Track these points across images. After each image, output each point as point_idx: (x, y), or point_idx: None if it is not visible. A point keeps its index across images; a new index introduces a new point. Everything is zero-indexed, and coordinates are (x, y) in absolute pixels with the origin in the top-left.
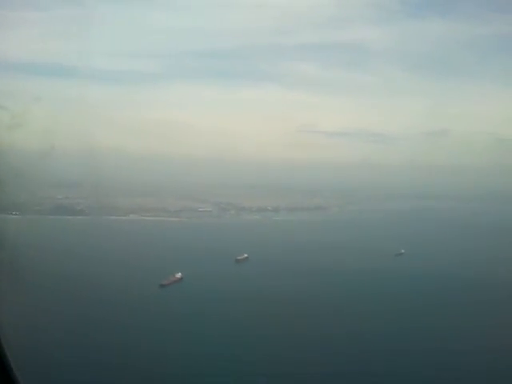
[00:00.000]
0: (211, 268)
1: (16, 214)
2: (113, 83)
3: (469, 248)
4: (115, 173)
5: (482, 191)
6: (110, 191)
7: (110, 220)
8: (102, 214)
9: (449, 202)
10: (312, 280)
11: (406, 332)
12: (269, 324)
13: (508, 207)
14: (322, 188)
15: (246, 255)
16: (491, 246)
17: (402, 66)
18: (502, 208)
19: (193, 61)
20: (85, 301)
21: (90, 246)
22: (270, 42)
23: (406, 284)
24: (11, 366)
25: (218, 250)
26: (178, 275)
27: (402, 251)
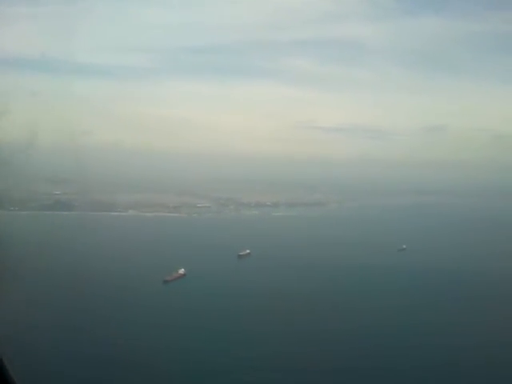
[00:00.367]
0: (214, 264)
1: (14, 210)
2: (110, 78)
3: (469, 243)
4: (113, 168)
5: (480, 187)
6: (108, 187)
7: (109, 216)
8: (101, 209)
9: (447, 198)
10: (316, 275)
11: (411, 327)
12: (273, 319)
13: (506, 202)
14: (321, 183)
15: (248, 251)
16: (491, 240)
17: (399, 62)
18: (500, 203)
19: (190, 56)
20: (87, 297)
21: (90, 243)
22: (267, 37)
23: (411, 279)
24: (6, 367)
25: (220, 246)
26: (182, 271)
27: (404, 247)
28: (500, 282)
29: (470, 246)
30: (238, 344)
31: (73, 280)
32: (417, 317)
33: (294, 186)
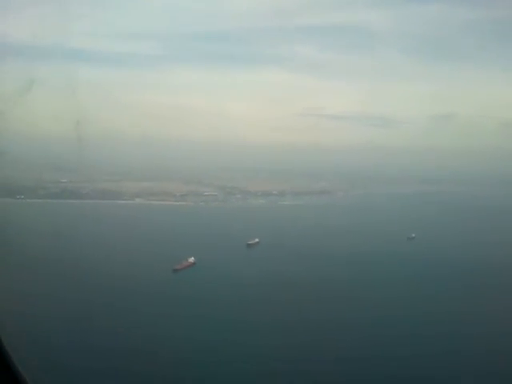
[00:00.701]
0: (223, 253)
1: (21, 198)
2: (116, 66)
3: (478, 231)
4: (119, 157)
5: (487, 175)
6: (115, 175)
7: (116, 204)
8: (108, 198)
9: (454, 186)
10: (327, 264)
11: (427, 316)
12: (284, 308)
13: None
14: (326, 172)
15: (257, 240)
16: (501, 229)
17: (404, 49)
18: (507, 191)
19: (193, 43)
20: (96, 287)
21: (97, 231)
22: (271, 24)
23: (423, 268)
24: (12, 359)
25: (228, 235)
26: (191, 260)
27: (414, 235)
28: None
29: (479, 234)
30: (248, 333)
31: (81, 269)
32: (433, 305)
33: (300, 175)
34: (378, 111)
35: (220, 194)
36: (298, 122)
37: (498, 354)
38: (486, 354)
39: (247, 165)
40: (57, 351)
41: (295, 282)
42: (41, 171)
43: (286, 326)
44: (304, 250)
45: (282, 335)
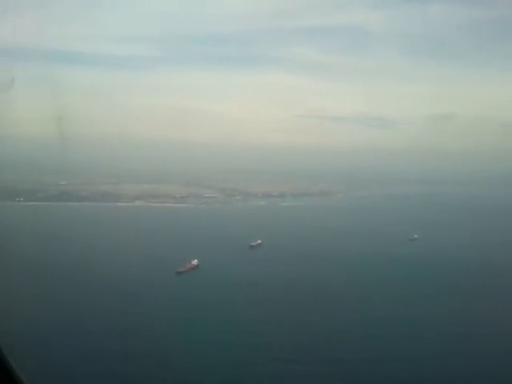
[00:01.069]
0: (226, 254)
1: (20, 201)
2: (115, 68)
3: (480, 232)
4: (119, 159)
5: (487, 175)
6: (115, 178)
7: (116, 207)
8: (108, 200)
9: (454, 187)
10: (329, 265)
11: (432, 317)
12: (289, 309)
13: None
14: (326, 173)
15: (259, 241)
16: (502, 229)
17: (404, 50)
18: (507, 192)
19: (193, 45)
20: (98, 290)
21: (97, 234)
22: (271, 26)
23: (426, 269)
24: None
25: (231, 236)
26: (195, 262)
27: (416, 236)
28: None
29: (480, 234)
30: (254, 335)
31: (82, 272)
32: (436, 306)
33: (300, 176)
34: (378, 112)
35: (220, 195)
36: (299, 123)
37: (498, 355)
38: (485, 354)
39: (247, 166)
40: (57, 353)
41: (299, 284)
42: (40, 174)
43: (292, 327)
44: (306, 251)
45: (287, 336)
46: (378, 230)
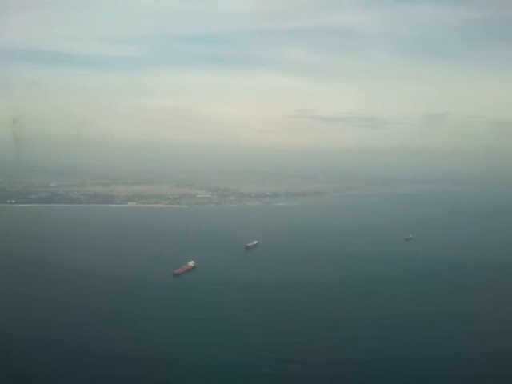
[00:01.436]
0: (223, 255)
1: (11, 203)
2: (106, 69)
3: (473, 232)
4: (110, 160)
5: (479, 174)
6: (106, 179)
7: (108, 208)
8: (99, 201)
9: (446, 186)
10: (326, 264)
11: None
12: (290, 309)
13: (505, 190)
14: (319, 173)
15: (256, 241)
16: (494, 229)
17: (395, 50)
18: (500, 191)
19: (185, 46)
20: (94, 293)
21: (92, 236)
22: (262, 26)
23: (422, 269)
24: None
25: (226, 237)
26: (191, 263)
27: (410, 236)
28: (506, 269)
29: (473, 234)
30: (255, 336)
31: (79, 275)
32: (430, 305)
33: (293, 176)
34: (370, 112)
35: (213, 196)
36: (291, 123)
37: (496, 353)
38: (485, 354)
39: (239, 167)
40: (54, 354)
41: (299, 284)
42: (31, 176)
43: (291, 327)
44: (302, 250)
45: (286, 335)
46: (372, 230)
